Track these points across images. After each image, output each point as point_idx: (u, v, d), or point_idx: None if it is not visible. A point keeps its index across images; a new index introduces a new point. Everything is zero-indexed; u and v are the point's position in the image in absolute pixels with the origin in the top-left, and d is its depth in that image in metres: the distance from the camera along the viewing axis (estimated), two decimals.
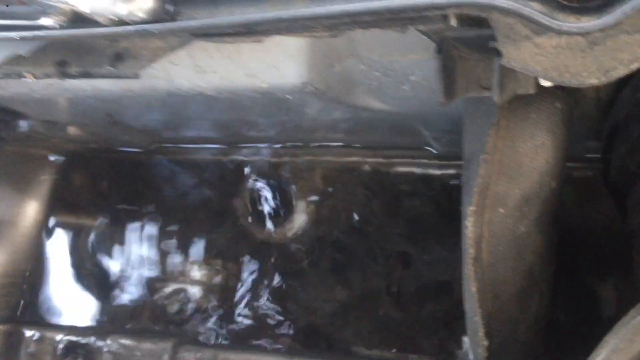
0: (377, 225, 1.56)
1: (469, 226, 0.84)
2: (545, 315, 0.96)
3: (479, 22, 0.72)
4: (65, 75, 1.00)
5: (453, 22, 0.73)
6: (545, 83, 0.77)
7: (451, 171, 1.50)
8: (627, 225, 0.97)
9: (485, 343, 0.88)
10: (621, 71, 0.65)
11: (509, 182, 0.85)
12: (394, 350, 1.43)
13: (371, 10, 0.70)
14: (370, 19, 0.74)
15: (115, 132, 1.59)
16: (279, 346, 1.46)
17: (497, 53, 0.71)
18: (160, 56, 0.94)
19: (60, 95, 1.34)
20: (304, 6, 0.78)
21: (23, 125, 1.58)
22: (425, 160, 1.52)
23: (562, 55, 0.67)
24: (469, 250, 0.85)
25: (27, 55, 0.97)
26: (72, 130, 1.60)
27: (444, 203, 1.50)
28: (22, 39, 0.90)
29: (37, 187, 1.71)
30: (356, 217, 1.58)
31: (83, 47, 0.99)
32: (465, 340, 1.31)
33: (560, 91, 0.90)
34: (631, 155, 0.94)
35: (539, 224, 0.88)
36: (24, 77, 1.02)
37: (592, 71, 0.66)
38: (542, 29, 0.67)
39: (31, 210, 1.70)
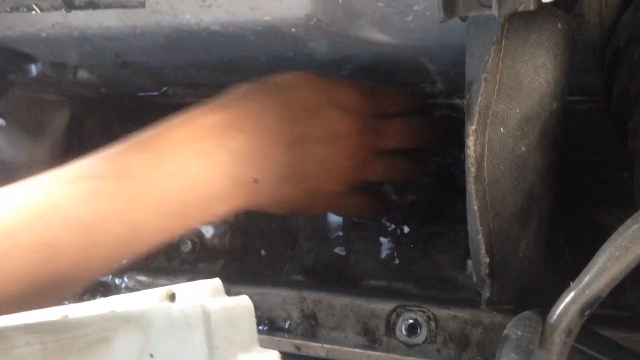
0: None
1: (470, 145, 0.86)
2: (545, 235, 0.98)
3: None
4: (70, 6, 1.01)
5: None
6: None
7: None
8: (628, 147, 0.98)
9: (487, 260, 0.91)
10: None
11: (509, 102, 0.86)
12: (402, 282, 1.46)
13: None
14: None
15: (125, 75, 1.60)
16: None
17: None
18: None
19: (67, 35, 1.35)
20: None
21: (32, 68, 1.60)
22: (432, 100, 1.53)
23: None
24: (470, 169, 0.87)
25: None
26: (81, 73, 1.61)
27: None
28: None
29: (50, 132, 1.74)
30: None
31: None
32: (469, 263, 1.34)
33: (562, 12, 0.90)
34: (632, 76, 0.94)
35: (539, 144, 0.90)
36: (31, 9, 1.02)
37: None
38: None
39: (44, 154, 1.73)
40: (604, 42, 1.09)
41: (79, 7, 1.01)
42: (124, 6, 1.00)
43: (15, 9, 1.04)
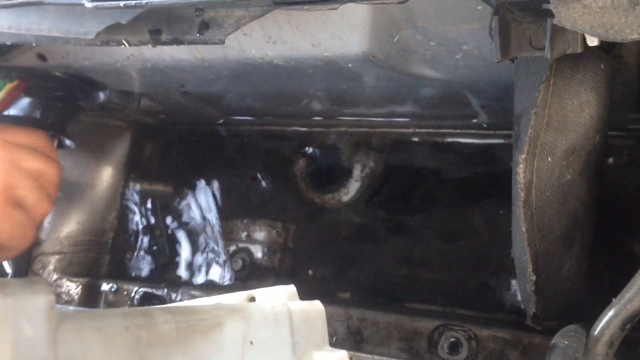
0: (428, 190, 1.67)
1: (520, 172, 0.95)
2: (587, 258, 1.06)
3: None
4: (157, 42, 1.12)
5: None
6: (592, 42, 0.87)
7: (497, 140, 1.60)
8: None
9: (534, 278, 0.99)
10: None
11: (556, 134, 0.95)
12: (445, 306, 1.54)
13: None
14: None
15: (186, 104, 1.72)
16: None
17: (550, 14, 0.81)
18: (243, 24, 1.05)
19: (140, 66, 1.47)
20: None
21: (100, 95, 1.72)
22: (474, 131, 1.63)
23: (607, 15, 0.77)
24: (520, 194, 0.95)
25: (125, 23, 1.09)
26: (145, 101, 1.73)
27: (489, 170, 1.60)
28: (125, 6, 1.03)
29: (112, 155, 1.86)
30: (407, 183, 1.69)
31: (174, 17, 1.11)
32: (513, 282, 1.41)
33: (604, 54, 0.99)
34: None
35: (583, 173, 0.98)
36: (121, 44, 1.14)
37: (634, 28, 0.76)
38: None
39: (107, 175, 1.85)
40: None
41: (164, 43, 1.12)
42: (205, 42, 1.11)
43: (105, 42, 1.15)
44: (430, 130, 1.67)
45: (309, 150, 1.82)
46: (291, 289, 0.83)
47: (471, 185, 1.61)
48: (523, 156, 0.94)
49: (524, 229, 0.97)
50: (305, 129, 1.82)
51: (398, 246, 1.63)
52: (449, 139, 1.66)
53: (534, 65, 0.98)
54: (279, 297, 0.81)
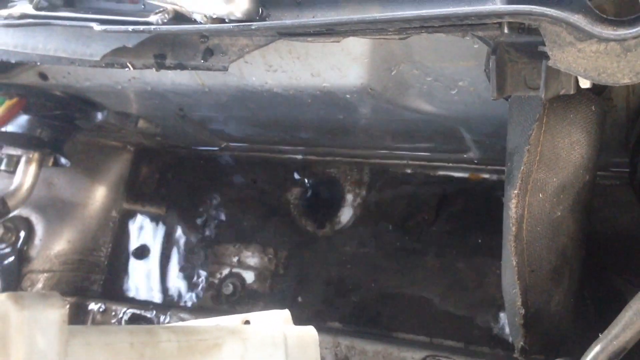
0: (419, 222, 1.69)
1: (512, 207, 0.97)
2: (575, 293, 1.08)
3: (529, 30, 0.86)
4: (161, 66, 1.14)
5: (507, 29, 0.88)
6: (584, 85, 0.90)
7: (487, 176, 1.63)
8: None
9: (522, 311, 1.01)
10: None
11: (548, 172, 0.98)
12: (432, 337, 1.55)
13: (440, 15, 0.84)
14: (437, 24, 0.88)
15: (182, 127, 1.74)
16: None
17: (545, 56, 0.84)
18: (247, 52, 1.08)
19: (141, 89, 1.50)
20: (378, 11, 0.92)
21: (98, 116, 1.74)
22: (465, 165, 1.66)
23: (601, 59, 0.80)
24: (511, 228, 0.98)
25: (131, 47, 1.12)
26: (142, 123, 1.75)
27: (480, 204, 1.63)
28: (133, 31, 1.05)
29: (107, 175, 1.88)
30: (398, 214, 1.71)
31: (179, 43, 1.13)
32: (502, 315, 1.43)
33: (595, 96, 1.02)
34: None
35: (573, 210, 1.01)
36: (126, 66, 1.16)
37: (626, 73, 0.79)
38: (584, 36, 0.80)
39: (100, 195, 1.86)
40: (630, 124, 1.21)
41: (168, 68, 1.14)
42: (208, 69, 1.13)
43: (110, 65, 1.17)
44: (424, 162, 1.70)
45: (304, 178, 1.84)
46: (286, 314, 0.84)
47: (462, 217, 1.63)
48: (515, 191, 0.97)
49: (514, 263, 0.99)
50: (300, 157, 1.84)
51: (388, 276, 1.65)
52: (441, 172, 1.69)
53: (528, 104, 1.01)
54: (275, 321, 0.83)
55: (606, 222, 1.43)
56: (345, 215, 1.77)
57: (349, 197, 1.77)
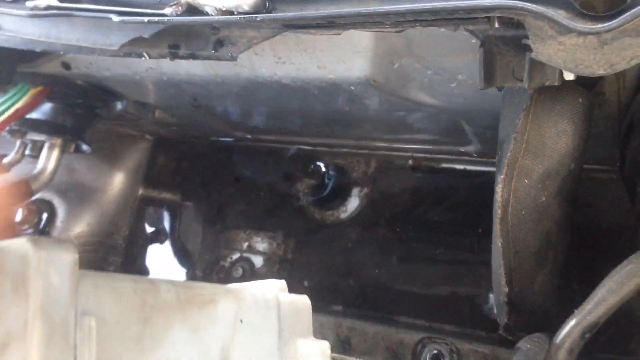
0: (422, 212, 1.76)
1: (499, 191, 1.03)
2: (558, 275, 1.14)
3: (516, 25, 0.92)
4: (175, 56, 1.22)
5: (497, 24, 0.94)
6: (568, 77, 0.96)
7: (489, 168, 1.69)
8: (637, 211, 1.14)
9: (506, 290, 1.07)
10: (623, 66, 0.83)
11: (533, 159, 1.04)
12: (431, 321, 1.61)
13: (431, 9, 0.91)
14: (429, 18, 0.95)
15: (198, 117, 1.82)
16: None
17: (529, 49, 0.90)
18: (255, 44, 1.15)
19: (157, 78, 1.57)
20: (376, 5, 0.99)
21: (117, 105, 1.83)
22: (467, 157, 1.71)
23: (579, 52, 0.86)
24: (497, 211, 1.04)
25: (147, 37, 1.19)
26: (159, 112, 1.83)
27: (481, 195, 1.68)
28: (149, 22, 1.13)
29: (125, 162, 1.96)
30: (402, 204, 1.78)
31: (191, 34, 1.21)
32: (491, 296, 1.48)
33: (582, 89, 1.08)
34: None
35: (557, 196, 1.07)
36: (142, 56, 1.23)
37: (601, 65, 0.85)
38: (564, 30, 0.86)
39: (118, 181, 1.95)
40: (622, 117, 1.27)
41: (182, 57, 1.21)
42: (219, 59, 1.20)
43: (128, 54, 1.25)
44: (427, 155, 1.76)
45: (313, 168, 1.91)
46: (282, 283, 0.91)
47: (463, 208, 1.69)
48: (502, 177, 1.03)
49: (499, 244, 1.05)
50: (310, 147, 1.91)
51: (390, 262, 1.71)
52: (444, 165, 1.75)
53: (518, 95, 1.07)
54: (272, 288, 0.89)
55: (602, 215, 1.48)
56: (352, 204, 1.83)
57: (356, 187, 1.84)
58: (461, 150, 1.68)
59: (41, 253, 0.54)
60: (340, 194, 1.86)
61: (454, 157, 1.73)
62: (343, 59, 1.35)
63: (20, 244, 0.53)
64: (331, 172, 1.89)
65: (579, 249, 1.41)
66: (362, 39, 1.30)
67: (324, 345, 0.87)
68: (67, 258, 0.56)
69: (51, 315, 0.53)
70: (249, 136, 1.94)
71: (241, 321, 0.76)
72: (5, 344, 0.50)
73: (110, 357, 0.59)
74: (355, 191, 1.84)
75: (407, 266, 1.69)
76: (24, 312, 0.52)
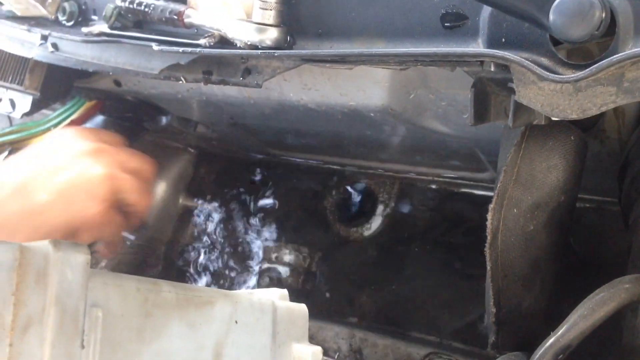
0: (440, 234, 1.84)
1: (489, 218, 1.12)
2: (547, 299, 1.21)
3: (505, 68, 1.02)
4: (208, 81, 1.35)
5: (490, 67, 1.04)
6: (555, 117, 1.05)
7: None
8: (627, 241, 1.21)
9: (494, 310, 1.15)
10: (594, 111, 0.92)
11: (523, 190, 1.12)
12: (442, 338, 1.69)
13: (426, 54, 1.01)
14: (427, 60, 1.05)
15: (235, 133, 1.96)
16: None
17: (513, 91, 0.99)
18: (278, 73, 1.27)
19: (197, 98, 1.72)
20: (382, 46, 1.10)
21: (162, 119, 1.98)
22: (484, 184, 1.79)
23: (556, 97, 0.95)
24: (488, 237, 1.13)
25: (184, 64, 1.33)
26: (200, 128, 1.98)
27: None
28: (183, 52, 1.26)
29: (168, 172, 2.11)
30: (421, 225, 1.87)
31: (223, 62, 1.34)
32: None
33: (575, 127, 1.16)
34: (632, 184, 1.19)
35: (546, 226, 1.15)
36: (179, 79, 1.37)
37: (574, 110, 0.93)
38: (543, 77, 0.95)
39: (161, 190, 2.10)
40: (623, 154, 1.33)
41: (214, 82, 1.35)
42: (246, 85, 1.33)
43: (167, 78, 1.39)
44: (447, 179, 1.85)
45: (341, 187, 2.02)
46: (283, 291, 1.02)
47: (479, 232, 1.76)
48: (492, 206, 1.11)
49: (489, 267, 1.14)
50: (338, 167, 2.02)
51: (409, 280, 1.80)
52: (464, 190, 1.83)
53: (514, 131, 1.16)
54: (273, 295, 1.01)
55: (607, 245, 1.54)
56: (375, 223, 1.93)
57: (380, 207, 1.94)
58: (479, 177, 1.76)
59: (59, 254, 0.66)
60: (365, 213, 1.97)
61: (472, 183, 1.81)
62: (363, 88, 1.45)
63: (43, 245, 0.66)
64: (358, 192, 2.00)
65: (582, 276, 1.48)
66: (380, 70, 1.40)
67: (317, 350, 0.97)
68: (80, 258, 0.68)
69: (64, 305, 0.66)
70: (282, 153, 2.06)
71: (236, 322, 0.87)
72: (27, 326, 0.63)
73: (114, 343, 0.71)
74: (379, 211, 1.94)
75: (423, 284, 1.78)
76: (42, 301, 0.65)
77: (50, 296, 0.64)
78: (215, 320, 0.84)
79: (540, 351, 1.01)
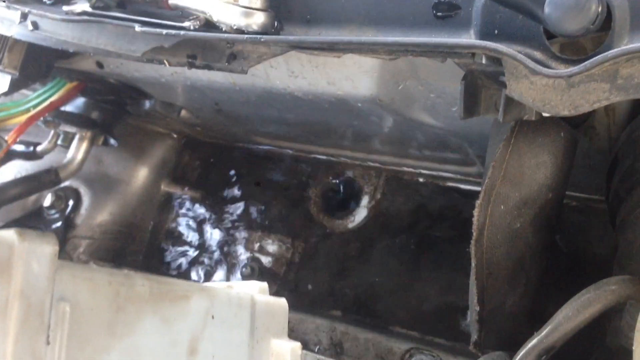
0: (425, 227, 1.82)
1: (475, 215, 1.09)
2: (531, 298, 1.19)
3: (497, 61, 0.99)
4: (192, 65, 1.31)
5: (481, 59, 1.01)
6: (546, 113, 1.02)
7: None
8: (614, 241, 1.19)
9: (478, 308, 1.13)
10: (586, 108, 0.89)
11: (511, 187, 1.10)
12: (422, 333, 1.67)
13: (416, 43, 0.98)
14: (417, 50, 1.02)
15: (220, 120, 1.92)
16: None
17: (505, 85, 0.96)
18: (264, 59, 1.23)
19: (181, 82, 1.68)
20: (372, 35, 1.06)
21: (146, 103, 1.94)
22: (472, 178, 1.77)
23: (548, 92, 0.92)
24: (473, 233, 1.10)
25: (167, 47, 1.29)
26: (184, 113, 1.94)
27: None
28: (167, 35, 1.22)
29: (150, 157, 2.07)
30: (407, 218, 1.84)
31: (208, 46, 1.30)
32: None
33: (566, 124, 1.14)
34: (621, 183, 1.16)
35: (533, 223, 1.12)
36: (162, 63, 1.33)
37: (566, 106, 0.91)
38: (535, 72, 0.92)
39: (142, 175, 2.06)
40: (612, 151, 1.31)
41: (198, 67, 1.30)
42: (231, 71, 1.29)
43: (150, 60, 1.35)
44: (434, 173, 1.83)
45: (326, 177, 1.99)
46: (263, 285, 0.99)
47: (465, 227, 1.74)
48: (479, 202, 1.09)
49: (473, 265, 1.11)
50: (323, 157, 1.99)
51: (391, 273, 1.78)
52: (450, 184, 1.81)
53: (503, 126, 1.13)
54: (252, 289, 0.98)
55: (594, 243, 1.52)
56: (360, 215, 1.91)
57: (365, 198, 1.91)
58: (466, 170, 1.74)
59: (25, 244, 0.63)
60: (349, 205, 1.94)
61: (459, 176, 1.79)
62: (351, 78, 1.42)
63: (9, 234, 0.63)
64: (343, 183, 1.97)
65: (568, 273, 1.46)
66: (369, 59, 1.37)
67: (296, 346, 0.95)
68: (48, 249, 0.65)
69: (29, 298, 0.63)
70: (268, 142, 2.03)
71: (213, 317, 0.84)
72: None
73: (82, 339, 0.68)
74: (364, 202, 1.91)
75: (406, 278, 1.76)
76: (5, 293, 0.62)
77: (15, 289, 0.61)
78: (190, 315, 0.81)
79: (522, 351, 0.99)
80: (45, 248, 0.64)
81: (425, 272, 1.76)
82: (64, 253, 1.91)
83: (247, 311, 0.90)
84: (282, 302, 0.99)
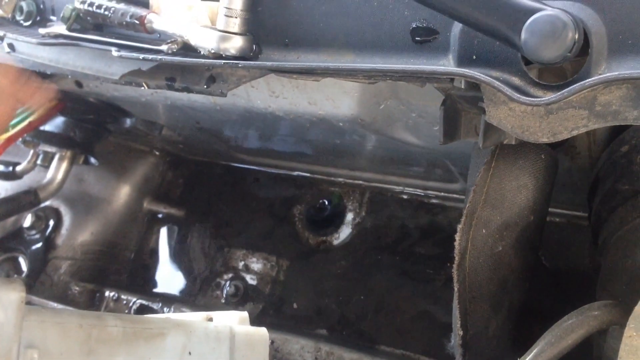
0: (409, 244, 1.81)
1: (457, 239, 1.09)
2: (514, 321, 1.18)
3: (476, 86, 0.98)
4: (171, 88, 1.30)
5: (460, 84, 1.00)
6: (525, 139, 1.01)
7: None
8: (596, 261, 1.19)
9: (461, 333, 1.12)
10: (564, 135, 0.89)
11: (492, 210, 1.09)
12: (410, 352, 1.66)
13: (394, 70, 0.97)
14: (395, 75, 1.01)
15: (202, 138, 1.90)
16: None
17: (483, 110, 0.96)
18: (244, 82, 1.22)
19: (161, 102, 1.66)
20: (351, 59, 1.06)
21: (127, 122, 1.92)
22: (455, 195, 1.77)
23: (526, 119, 0.92)
24: (455, 257, 1.09)
25: (145, 70, 1.28)
26: (166, 131, 1.92)
27: None
28: (144, 59, 1.21)
29: (132, 176, 2.05)
30: (391, 235, 1.83)
31: (187, 69, 1.29)
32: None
33: (546, 146, 1.13)
34: (602, 204, 1.16)
35: (515, 246, 1.12)
36: (141, 85, 1.32)
37: (545, 132, 0.90)
38: (513, 99, 0.91)
39: (124, 194, 2.04)
40: (593, 170, 1.31)
41: (177, 90, 1.29)
42: (210, 94, 1.28)
43: (128, 83, 1.33)
44: (418, 190, 1.82)
45: (310, 194, 1.98)
46: (243, 314, 0.98)
47: (449, 244, 1.73)
48: (460, 226, 1.08)
49: (456, 289, 1.10)
50: (307, 174, 1.98)
51: (376, 292, 1.77)
52: (434, 201, 1.80)
53: (484, 150, 1.13)
54: (232, 319, 0.96)
55: (577, 260, 1.52)
56: (344, 232, 1.90)
57: (350, 216, 1.90)
58: (450, 187, 1.74)
59: None
60: (334, 222, 1.93)
61: (443, 193, 1.78)
62: (332, 98, 1.41)
63: None
64: (327, 200, 1.96)
65: (552, 290, 1.46)
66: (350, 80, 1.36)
67: None
68: (14, 296, 0.63)
69: None
70: (251, 160, 2.02)
71: (190, 353, 0.83)
72: None
73: None
74: (349, 220, 1.90)
75: (391, 296, 1.75)
76: None
77: None
78: (166, 353, 0.79)
79: None
80: (11, 295, 0.63)
81: (411, 289, 1.76)
82: (45, 275, 1.88)
83: (226, 344, 0.89)
84: (263, 331, 0.97)
